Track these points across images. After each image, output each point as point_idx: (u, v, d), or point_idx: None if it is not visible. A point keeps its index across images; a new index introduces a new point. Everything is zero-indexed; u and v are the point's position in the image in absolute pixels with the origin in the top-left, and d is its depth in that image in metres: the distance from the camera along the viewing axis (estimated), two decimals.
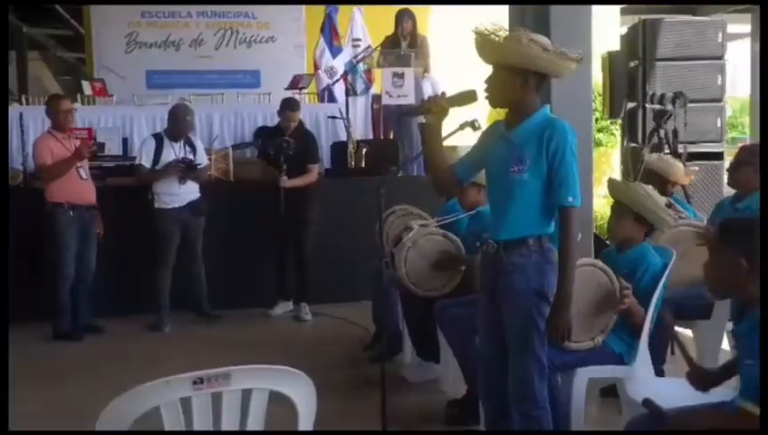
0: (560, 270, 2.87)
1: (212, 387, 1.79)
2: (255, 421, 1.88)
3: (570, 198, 2.84)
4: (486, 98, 2.97)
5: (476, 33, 2.86)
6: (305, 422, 1.92)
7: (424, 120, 3.17)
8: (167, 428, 1.79)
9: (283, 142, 6.29)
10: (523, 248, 2.90)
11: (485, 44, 2.88)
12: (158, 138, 6.34)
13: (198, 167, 6.33)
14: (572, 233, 2.86)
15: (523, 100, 2.91)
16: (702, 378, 2.72)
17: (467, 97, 3.05)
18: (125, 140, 7.75)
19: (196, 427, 1.81)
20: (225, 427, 1.84)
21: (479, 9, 7.35)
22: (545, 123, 2.88)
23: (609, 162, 13.56)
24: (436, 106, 3.04)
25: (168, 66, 9.89)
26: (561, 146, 2.82)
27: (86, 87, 8.70)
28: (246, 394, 1.85)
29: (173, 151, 6.25)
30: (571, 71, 2.89)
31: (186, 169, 6.21)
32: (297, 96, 8.54)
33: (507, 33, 2.85)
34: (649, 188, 3.70)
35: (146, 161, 6.22)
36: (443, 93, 3.09)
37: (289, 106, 6.57)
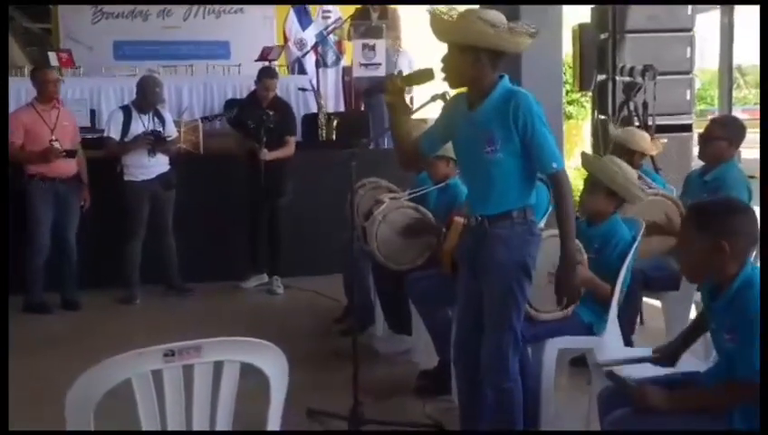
0: (561, 233, 2.89)
1: (183, 359, 1.79)
2: (227, 394, 1.87)
3: (553, 165, 2.85)
4: (445, 80, 2.98)
5: (430, 13, 2.87)
6: (277, 394, 1.92)
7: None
8: (138, 400, 1.78)
9: (263, 115, 6.24)
10: (507, 220, 2.92)
11: (437, 24, 2.88)
12: (126, 110, 6.25)
13: (168, 139, 6.27)
14: (566, 196, 2.86)
15: (478, 78, 2.90)
16: (667, 355, 2.76)
17: (424, 75, 3.06)
18: (93, 112, 7.64)
19: (168, 399, 1.81)
20: (196, 399, 1.84)
21: None
22: (506, 97, 2.87)
23: (579, 134, 13.66)
24: (392, 85, 3.04)
25: (135, 37, 9.72)
26: (527, 117, 2.82)
27: (52, 58, 8.51)
28: (218, 366, 1.85)
29: (141, 124, 6.17)
30: (526, 46, 2.87)
31: (155, 142, 6.14)
32: None
33: (458, 12, 2.85)
34: (622, 162, 3.72)
35: (114, 134, 6.14)
36: (399, 72, 3.13)
37: (267, 74, 6.52)
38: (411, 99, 6.96)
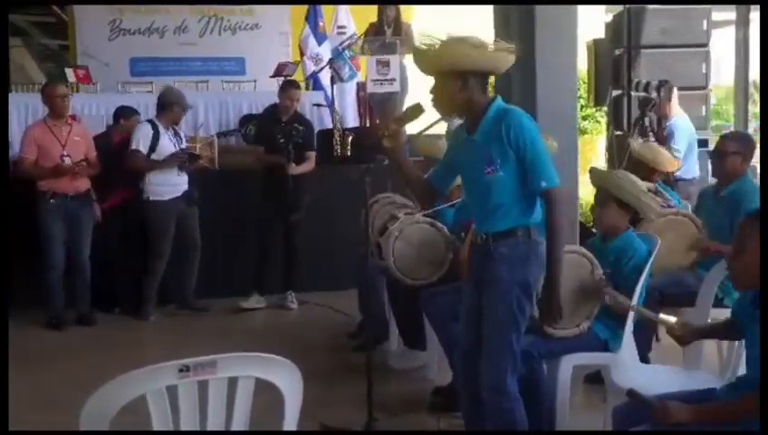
0: (548, 252, 2.89)
1: (198, 375, 1.79)
2: (241, 409, 1.87)
3: (543, 183, 2.86)
4: (436, 109, 3.02)
5: (412, 51, 2.95)
6: (291, 410, 1.92)
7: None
8: (153, 416, 1.78)
9: (292, 130, 6.25)
10: (511, 239, 2.92)
11: (418, 57, 2.94)
12: (153, 125, 6.13)
13: (198, 156, 6.28)
14: (556, 215, 2.87)
15: (468, 102, 2.93)
16: (686, 335, 2.80)
17: (415, 111, 3.10)
18: (108, 128, 7.68)
19: (183, 415, 1.81)
20: (211, 415, 1.84)
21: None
22: (499, 117, 2.89)
23: (594, 150, 13.60)
24: (388, 130, 3.07)
25: (151, 53, 9.82)
26: (519, 135, 2.84)
27: (69, 74, 8.61)
28: (232, 382, 1.85)
29: (168, 139, 6.13)
30: (509, 62, 2.91)
31: (189, 159, 6.15)
32: None
33: (440, 42, 2.88)
34: (630, 174, 3.72)
35: (143, 148, 6.03)
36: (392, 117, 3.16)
37: (292, 84, 6.56)
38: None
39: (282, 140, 6.24)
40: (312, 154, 6.56)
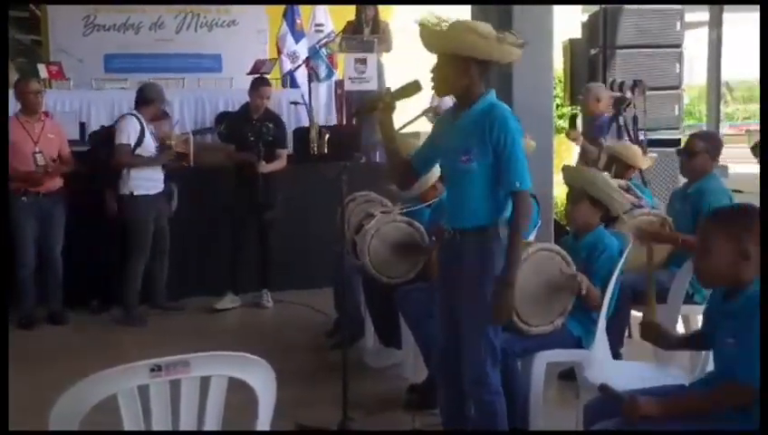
0: (507, 251, 2.89)
1: (170, 374, 1.78)
2: (214, 409, 1.87)
3: (517, 184, 2.87)
4: (433, 88, 3.01)
5: (420, 24, 2.90)
6: (265, 409, 1.92)
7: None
8: (124, 416, 1.77)
9: (263, 127, 6.23)
10: (481, 235, 2.93)
11: (428, 34, 2.92)
12: (138, 120, 6.01)
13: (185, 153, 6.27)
14: (523, 215, 2.89)
15: (467, 87, 2.94)
16: (658, 336, 2.77)
17: (412, 88, 3.07)
18: (82, 125, 7.61)
19: (154, 415, 1.80)
20: (183, 415, 1.83)
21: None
22: (487, 111, 2.91)
23: (569, 149, 13.67)
24: (382, 102, 3.06)
25: (126, 49, 9.72)
26: (502, 133, 2.85)
27: (42, 70, 8.50)
28: (205, 381, 1.84)
29: (150, 135, 6.05)
30: (515, 56, 2.92)
31: (177, 157, 6.11)
32: None
33: (448, 23, 2.89)
34: (601, 172, 3.76)
35: (131, 142, 5.91)
36: (388, 89, 3.13)
37: (263, 82, 6.52)
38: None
39: (252, 138, 6.23)
40: (284, 152, 6.54)
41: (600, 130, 6.45)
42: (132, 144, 5.93)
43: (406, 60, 8.02)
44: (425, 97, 3.19)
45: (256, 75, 6.79)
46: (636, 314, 4.63)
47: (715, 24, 9.02)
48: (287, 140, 6.78)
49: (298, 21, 9.23)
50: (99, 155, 6.17)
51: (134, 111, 6.12)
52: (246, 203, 6.27)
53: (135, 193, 5.94)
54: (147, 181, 5.99)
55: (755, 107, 27.48)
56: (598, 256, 3.48)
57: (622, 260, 3.51)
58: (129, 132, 5.92)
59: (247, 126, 6.31)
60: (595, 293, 3.40)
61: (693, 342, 2.84)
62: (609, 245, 3.53)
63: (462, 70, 2.90)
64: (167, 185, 6.19)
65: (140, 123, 5.99)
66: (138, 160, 5.94)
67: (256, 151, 6.21)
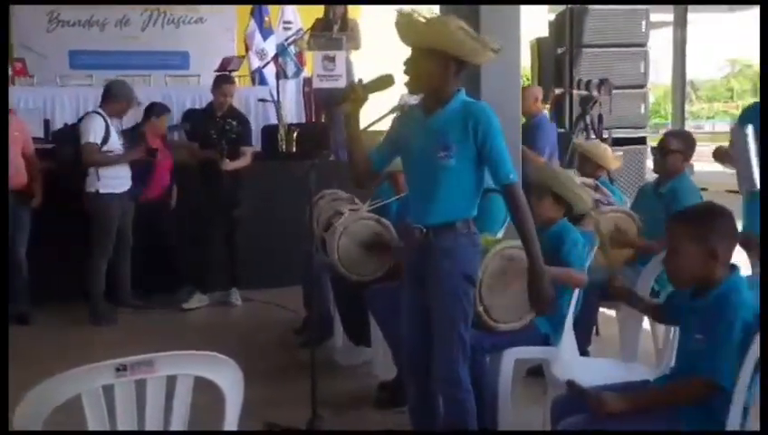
0: (525, 244, 2.89)
1: (135, 374, 1.76)
2: (180, 409, 1.85)
3: (510, 176, 2.86)
4: (406, 83, 2.96)
5: (401, 13, 2.84)
6: (232, 408, 1.90)
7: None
8: (88, 416, 1.75)
9: (226, 125, 6.19)
10: (451, 232, 2.92)
11: (410, 26, 2.85)
12: (102, 117, 5.96)
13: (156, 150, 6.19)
14: (523, 206, 2.88)
15: (442, 84, 2.90)
16: (630, 295, 2.98)
17: (384, 82, 3.02)
18: (46, 122, 7.52)
19: (119, 415, 1.78)
20: (149, 415, 1.81)
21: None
22: (467, 107, 2.89)
23: None
24: (354, 94, 3.02)
25: (91, 46, 9.61)
26: (487, 128, 2.83)
27: None
28: (171, 381, 1.82)
29: (114, 131, 6.00)
30: (489, 59, 2.90)
31: (147, 154, 6.05)
32: None
33: (428, 17, 2.85)
34: (564, 169, 3.79)
35: (97, 140, 5.85)
36: (359, 81, 3.08)
37: (225, 79, 6.48)
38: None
39: (215, 136, 6.19)
40: (248, 150, 6.50)
41: (537, 128, 6.47)
42: (98, 142, 5.87)
43: (375, 58, 8.03)
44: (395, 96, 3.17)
45: (219, 73, 6.73)
46: (603, 312, 4.69)
47: (680, 24, 9.14)
48: (252, 137, 6.74)
49: (266, 18, 9.20)
50: (64, 153, 6.08)
51: (98, 109, 6.06)
52: (209, 201, 6.22)
53: (101, 191, 5.88)
54: (113, 179, 5.94)
55: (718, 106, 27.91)
56: (568, 250, 3.48)
57: (589, 259, 3.54)
58: (94, 131, 5.86)
59: (210, 124, 6.28)
60: (577, 277, 3.42)
61: (650, 311, 2.99)
62: (575, 237, 3.55)
63: (442, 66, 2.86)
64: (134, 184, 6.12)
65: (105, 121, 5.93)
66: (106, 158, 5.89)
67: (219, 149, 6.17)
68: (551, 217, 3.63)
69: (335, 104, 7.41)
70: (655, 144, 4.88)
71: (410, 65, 2.92)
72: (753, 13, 14.82)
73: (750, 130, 3.74)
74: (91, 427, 1.76)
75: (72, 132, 6.11)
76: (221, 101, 6.33)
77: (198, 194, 6.36)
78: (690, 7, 9.23)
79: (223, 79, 6.51)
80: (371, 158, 3.11)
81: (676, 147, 4.40)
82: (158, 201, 6.52)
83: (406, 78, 2.94)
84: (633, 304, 3.05)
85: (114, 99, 6.02)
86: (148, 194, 6.44)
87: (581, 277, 3.46)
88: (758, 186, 3.74)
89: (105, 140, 5.90)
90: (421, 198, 2.99)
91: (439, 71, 2.87)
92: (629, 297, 3.01)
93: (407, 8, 2.86)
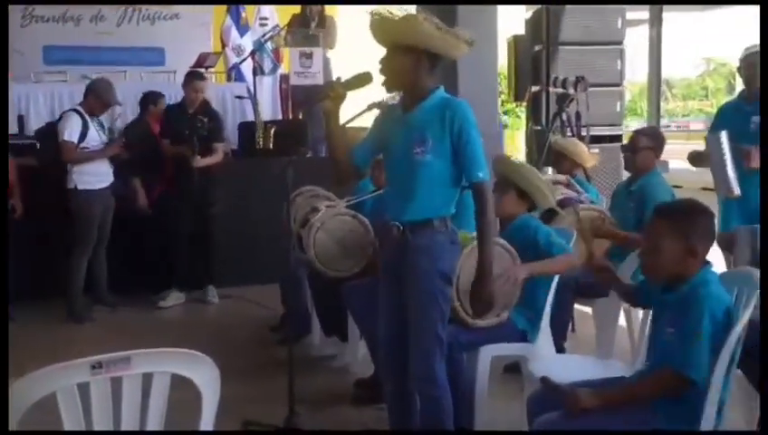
0: (479, 243, 2.91)
1: (111, 372, 1.75)
2: (157, 406, 1.84)
3: (480, 174, 2.87)
4: (383, 83, 2.97)
5: (372, 13, 2.86)
6: (209, 406, 1.89)
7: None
8: (63, 414, 1.74)
9: (197, 122, 6.15)
10: (428, 229, 2.93)
11: (381, 24, 2.88)
12: (80, 114, 5.92)
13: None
14: (488, 207, 2.90)
15: (417, 80, 2.91)
16: (612, 279, 3.00)
17: (363, 79, 3.04)
18: (20, 118, 7.43)
19: (95, 413, 1.77)
20: (125, 412, 1.80)
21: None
22: (443, 103, 2.90)
23: (514, 144, 13.86)
24: (333, 91, 3.03)
25: (66, 42, 9.50)
26: (464, 125, 2.85)
27: None
28: (147, 378, 1.81)
29: (95, 129, 5.95)
30: (464, 53, 2.92)
31: (125, 148, 5.99)
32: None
33: (400, 16, 2.87)
34: (530, 165, 3.80)
35: (74, 138, 5.83)
36: (338, 78, 3.09)
37: (196, 76, 6.44)
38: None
39: (186, 132, 6.15)
40: (220, 146, 6.45)
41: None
42: (75, 140, 5.85)
43: (353, 57, 8.02)
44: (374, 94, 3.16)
45: (190, 69, 6.68)
46: (579, 309, 4.72)
47: (655, 23, 9.22)
48: (224, 133, 6.69)
49: (243, 14, 9.16)
50: (45, 151, 6.04)
51: (77, 106, 6.04)
52: (182, 198, 6.19)
53: (79, 188, 5.87)
54: (91, 176, 5.91)
55: (693, 104, 28.19)
56: (533, 239, 3.50)
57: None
58: (70, 129, 5.85)
59: (182, 120, 6.24)
60: (552, 265, 3.43)
61: (626, 295, 3.01)
62: (537, 227, 3.57)
63: (415, 62, 2.87)
64: (116, 180, 6.09)
65: (82, 118, 5.90)
66: (81, 155, 5.86)
67: (191, 146, 6.14)
68: (512, 212, 3.64)
69: (313, 101, 7.41)
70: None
71: (384, 63, 2.94)
72: (727, 12, 14.98)
73: (723, 136, 3.78)
74: (67, 425, 1.75)
75: (53, 130, 6.07)
76: (192, 97, 6.29)
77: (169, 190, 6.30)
78: (665, 6, 9.30)
79: (194, 75, 6.46)
80: (354, 154, 3.12)
81: (646, 144, 4.42)
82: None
83: (383, 78, 2.96)
84: (615, 285, 3.04)
85: (95, 96, 5.99)
86: (160, 182, 6.45)
87: (565, 261, 3.46)
88: (735, 191, 3.79)
89: (83, 137, 5.87)
90: (399, 195, 3.00)
91: (412, 67, 2.88)
92: (612, 278, 3.00)
93: (382, 9, 2.87)
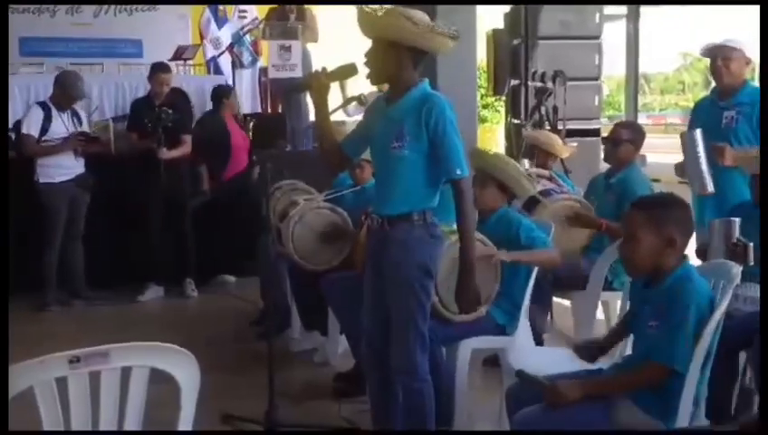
0: (461, 241, 2.93)
1: (89, 366, 1.74)
2: (136, 401, 1.83)
3: (458, 171, 2.88)
4: (368, 76, 3.00)
5: (360, 8, 2.89)
6: (188, 400, 1.89)
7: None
8: (41, 409, 1.72)
9: (161, 113, 6.09)
10: (406, 223, 2.94)
11: (364, 18, 2.90)
12: (44, 107, 5.91)
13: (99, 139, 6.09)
14: (468, 202, 2.91)
15: (399, 74, 2.93)
16: (590, 351, 2.79)
17: (348, 70, 3.06)
18: None
19: (73, 407, 1.75)
20: (103, 407, 1.79)
21: None
22: (423, 99, 2.91)
23: (494, 138, 13.91)
24: (317, 82, 3.04)
25: (42, 33, 9.38)
26: (440, 120, 2.86)
27: None
28: (126, 372, 1.80)
29: (62, 122, 5.91)
30: (447, 47, 2.93)
31: (87, 142, 5.93)
32: (182, 67, 8.31)
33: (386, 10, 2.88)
34: (510, 158, 3.82)
35: (34, 132, 5.81)
36: (323, 69, 3.09)
37: (161, 68, 6.37)
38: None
39: (149, 125, 6.09)
40: (188, 138, 6.38)
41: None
42: (35, 133, 5.83)
43: (336, 51, 8.01)
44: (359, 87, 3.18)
45: (154, 62, 6.60)
46: (557, 302, 4.75)
47: (633, 18, 9.27)
48: (191, 125, 6.64)
49: (221, 6, 9.10)
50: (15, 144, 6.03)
51: (45, 99, 6.03)
52: (150, 191, 6.14)
53: (41, 180, 5.86)
54: (54, 169, 5.88)
55: (670, 98, 28.41)
56: (516, 232, 3.50)
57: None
58: (30, 123, 5.86)
59: (148, 113, 6.18)
60: (538, 255, 3.44)
61: (614, 340, 2.84)
62: (517, 219, 3.58)
63: (396, 57, 2.89)
64: (84, 174, 6.03)
65: (45, 111, 5.88)
66: (40, 149, 5.85)
67: (156, 138, 6.08)
68: (494, 205, 3.65)
69: (296, 90, 7.39)
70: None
71: (369, 57, 2.96)
72: (704, 6, 15.08)
73: (698, 134, 3.81)
74: (44, 420, 1.74)
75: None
76: (157, 90, 6.23)
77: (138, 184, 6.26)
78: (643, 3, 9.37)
79: (158, 67, 6.38)
80: (343, 145, 3.15)
81: (627, 137, 4.45)
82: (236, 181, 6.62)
83: (367, 70, 2.98)
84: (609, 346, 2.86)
85: (61, 89, 5.96)
86: (227, 175, 6.61)
87: (548, 255, 3.48)
88: (709, 188, 3.82)
89: (45, 130, 5.85)
90: (381, 190, 3.04)
91: (395, 61, 2.90)
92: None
93: (365, 7, 2.88)
